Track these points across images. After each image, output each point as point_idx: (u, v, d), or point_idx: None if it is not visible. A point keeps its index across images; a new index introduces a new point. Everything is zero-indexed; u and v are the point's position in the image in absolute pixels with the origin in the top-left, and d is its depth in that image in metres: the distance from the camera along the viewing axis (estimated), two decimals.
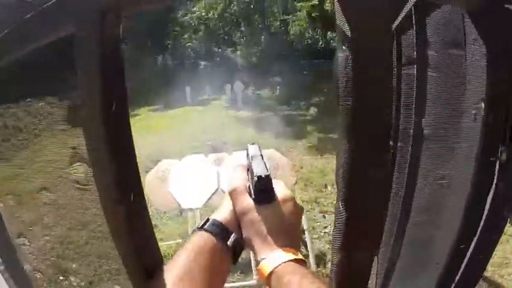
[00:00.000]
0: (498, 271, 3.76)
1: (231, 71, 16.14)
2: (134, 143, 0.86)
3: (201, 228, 0.85)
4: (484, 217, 1.01)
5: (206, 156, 4.96)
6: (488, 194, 0.99)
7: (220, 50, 18.74)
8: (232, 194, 0.89)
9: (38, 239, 1.57)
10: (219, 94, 15.49)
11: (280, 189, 0.89)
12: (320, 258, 4.19)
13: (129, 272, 0.92)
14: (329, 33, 13.11)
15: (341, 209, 0.95)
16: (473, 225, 1.04)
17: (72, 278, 1.76)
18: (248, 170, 0.97)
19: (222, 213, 0.89)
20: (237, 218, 0.87)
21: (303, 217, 4.17)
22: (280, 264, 0.76)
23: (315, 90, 12.78)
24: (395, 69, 1.26)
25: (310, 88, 13.03)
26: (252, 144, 1.07)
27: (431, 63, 1.14)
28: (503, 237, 4.23)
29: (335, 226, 0.99)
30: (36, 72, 1.04)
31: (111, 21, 0.76)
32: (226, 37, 18.86)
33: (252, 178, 0.88)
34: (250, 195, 0.87)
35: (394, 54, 1.25)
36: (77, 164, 1.00)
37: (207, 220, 0.87)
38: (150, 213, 0.89)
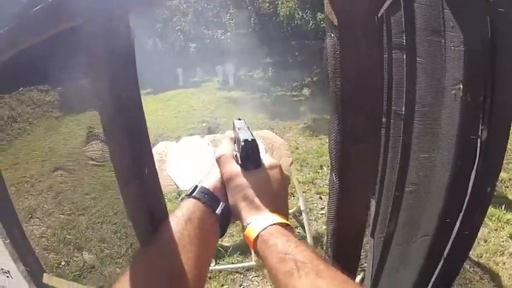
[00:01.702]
0: (493, 258, 3.81)
1: (222, 53, 16.03)
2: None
3: (190, 195, 0.84)
4: (468, 194, 1.04)
5: (202, 138, 4.95)
6: (471, 171, 1.02)
7: (210, 32, 18.55)
8: (219, 160, 0.90)
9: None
10: (211, 76, 15.43)
11: (266, 157, 0.90)
12: (317, 240, 4.21)
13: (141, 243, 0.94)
14: (319, 14, 12.97)
15: (334, 179, 1.00)
16: (458, 201, 1.08)
17: (85, 253, 1.77)
18: (235, 142, 0.98)
19: (210, 180, 0.88)
20: (224, 185, 0.87)
21: (300, 198, 4.22)
22: (266, 228, 0.76)
23: (307, 71, 12.73)
24: (386, 53, 1.30)
25: (302, 69, 12.98)
26: (238, 119, 1.07)
27: (417, 48, 1.17)
28: (498, 224, 4.33)
29: (329, 197, 1.03)
30: (50, 62, 1.05)
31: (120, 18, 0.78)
32: (215, 19, 18.67)
33: (239, 146, 0.89)
34: (238, 163, 0.88)
35: (384, 39, 1.29)
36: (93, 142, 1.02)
37: (196, 187, 0.86)
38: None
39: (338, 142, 0.95)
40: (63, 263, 2.01)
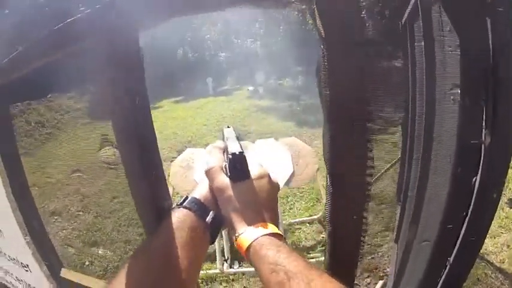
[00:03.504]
0: None
1: (252, 61, 16.10)
2: (156, 131, 0.92)
3: (180, 205, 0.88)
4: (472, 199, 1.03)
5: None
6: (472, 178, 1.01)
7: (239, 41, 18.67)
8: (209, 173, 0.92)
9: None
10: (241, 85, 15.49)
11: (255, 167, 0.92)
12: None
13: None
14: None
15: (328, 182, 1.02)
16: (460, 207, 1.06)
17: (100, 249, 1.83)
18: (224, 151, 1.01)
19: (200, 191, 0.92)
20: (214, 196, 0.90)
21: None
22: (257, 238, 0.79)
23: None
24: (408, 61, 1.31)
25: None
26: (227, 127, 1.13)
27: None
28: None
29: (326, 199, 1.05)
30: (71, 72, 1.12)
31: (130, 34, 0.84)
32: (244, 28, 18.77)
33: (228, 157, 0.91)
34: (227, 174, 0.90)
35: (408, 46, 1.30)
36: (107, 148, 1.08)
37: (186, 198, 0.90)
38: (175, 202, 0.94)
39: (330, 148, 0.98)
40: (87, 263, 2.09)
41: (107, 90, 0.90)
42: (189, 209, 0.86)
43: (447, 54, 0.99)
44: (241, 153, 0.89)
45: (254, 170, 0.91)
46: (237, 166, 0.88)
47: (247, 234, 0.81)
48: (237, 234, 0.83)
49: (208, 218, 0.86)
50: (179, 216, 0.85)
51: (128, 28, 0.84)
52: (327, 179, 1.05)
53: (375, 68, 1.05)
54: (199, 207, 0.87)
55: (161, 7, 0.90)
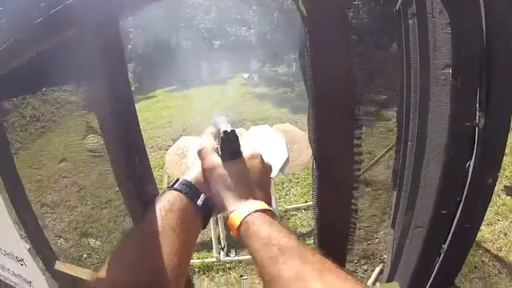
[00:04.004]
0: None
1: (246, 49, 16.03)
2: (150, 120, 0.91)
3: (171, 187, 0.86)
4: (466, 185, 1.02)
5: None
6: (467, 161, 1.00)
7: (233, 29, 18.55)
8: (201, 153, 0.91)
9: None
10: (235, 73, 15.43)
11: (248, 148, 0.91)
12: None
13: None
14: None
15: (314, 166, 1.01)
16: (453, 193, 1.05)
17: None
18: (216, 137, 0.98)
19: (192, 173, 0.90)
20: (206, 178, 0.88)
21: None
22: (248, 214, 0.78)
23: None
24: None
25: None
26: (218, 114, 1.10)
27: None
28: None
29: (312, 183, 1.04)
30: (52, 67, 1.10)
31: (112, 24, 0.82)
32: (238, 17, 18.66)
33: (219, 138, 0.91)
34: (219, 154, 0.89)
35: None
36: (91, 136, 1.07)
37: (177, 180, 0.88)
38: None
39: (315, 132, 0.96)
40: (84, 255, 2.08)
41: (89, 80, 0.88)
42: (180, 191, 0.84)
43: (439, 34, 0.97)
44: (233, 131, 0.88)
45: (246, 151, 0.90)
46: (229, 144, 0.88)
47: (239, 211, 0.80)
48: (228, 212, 0.82)
49: (199, 201, 0.85)
50: (169, 199, 0.83)
51: (107, 15, 0.82)
52: (312, 163, 1.04)
53: (362, 51, 1.03)
54: (190, 190, 0.85)
55: None
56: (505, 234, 3.89)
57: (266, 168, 0.92)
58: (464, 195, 1.05)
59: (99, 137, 0.93)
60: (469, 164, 1.01)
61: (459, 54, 0.92)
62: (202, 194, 0.86)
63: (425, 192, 1.22)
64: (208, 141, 0.94)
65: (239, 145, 0.89)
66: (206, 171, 0.88)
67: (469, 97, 0.94)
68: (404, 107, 1.37)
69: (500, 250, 3.67)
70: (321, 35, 0.85)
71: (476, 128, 0.97)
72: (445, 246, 1.13)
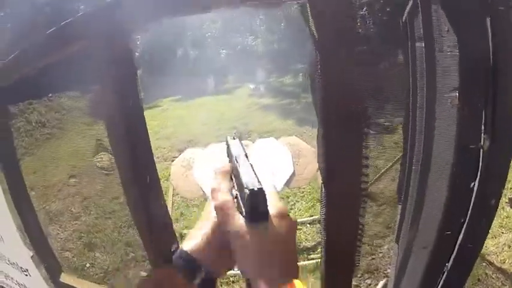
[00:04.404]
0: None
1: (253, 58, 16.07)
2: (156, 130, 0.91)
3: (168, 261, 0.77)
4: (471, 205, 1.02)
5: None
6: (472, 182, 1.00)
7: (240, 38, 18.62)
8: (220, 210, 0.78)
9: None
10: (242, 82, 15.45)
11: (273, 202, 0.78)
12: None
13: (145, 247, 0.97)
14: None
15: (322, 189, 1.01)
16: (459, 212, 1.05)
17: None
18: (233, 174, 0.86)
19: (197, 238, 0.79)
20: (212, 242, 0.78)
21: None
22: None
23: None
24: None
25: None
26: (233, 138, 0.96)
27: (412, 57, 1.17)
28: None
29: (321, 204, 1.04)
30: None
31: (123, 37, 0.83)
32: (245, 26, 18.74)
33: (241, 189, 0.76)
34: (239, 208, 0.77)
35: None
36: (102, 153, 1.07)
37: (176, 250, 0.79)
38: (176, 202, 0.90)
39: (323, 153, 0.97)
40: (87, 265, 2.09)
41: (100, 93, 0.89)
42: (174, 267, 0.75)
43: (446, 55, 0.97)
44: (261, 189, 0.72)
45: (273, 206, 0.76)
46: (256, 206, 0.73)
47: None
48: None
49: (197, 279, 0.75)
50: (158, 279, 0.76)
51: (121, 30, 0.83)
52: (321, 184, 1.04)
53: (370, 69, 1.04)
54: (187, 263, 0.75)
55: (157, 7, 0.89)
56: (509, 247, 3.86)
57: (294, 227, 0.81)
58: (468, 216, 1.05)
59: (110, 155, 0.93)
60: (473, 185, 1.01)
61: (466, 76, 0.92)
62: (203, 268, 0.76)
63: (430, 210, 1.22)
64: (225, 189, 0.82)
65: (267, 206, 0.75)
66: (229, 236, 0.76)
67: (475, 119, 0.94)
68: (410, 126, 1.37)
69: (504, 262, 3.65)
70: (332, 58, 0.87)
71: (481, 150, 0.98)
72: (448, 265, 1.13)
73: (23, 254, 1.56)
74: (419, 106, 1.28)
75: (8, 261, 1.60)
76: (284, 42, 15.61)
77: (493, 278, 3.42)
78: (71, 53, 0.93)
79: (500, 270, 3.54)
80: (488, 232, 1.09)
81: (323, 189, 1.04)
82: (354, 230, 1.08)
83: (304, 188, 5.35)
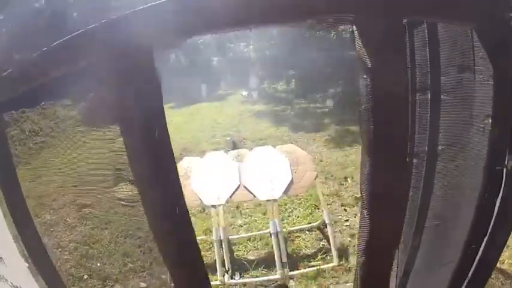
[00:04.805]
0: None
1: (245, 65, 16.07)
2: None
3: None
4: (493, 220, 1.03)
5: (226, 153, 4.98)
6: (495, 200, 1.01)
7: (232, 45, 18.63)
8: None
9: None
10: (235, 89, 15.44)
11: None
12: (342, 251, 4.17)
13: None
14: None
15: (365, 216, 0.99)
16: (483, 227, 1.06)
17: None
18: None
19: None
20: None
21: (325, 211, 4.20)
22: None
23: (331, 82, 12.62)
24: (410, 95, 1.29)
25: (326, 80, 12.87)
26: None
27: (443, 87, 1.16)
28: None
29: (360, 229, 1.02)
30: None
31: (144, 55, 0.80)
32: (237, 32, 18.78)
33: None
34: None
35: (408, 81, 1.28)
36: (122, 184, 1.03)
37: None
38: None
39: (369, 181, 0.94)
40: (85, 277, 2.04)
41: (123, 115, 0.86)
42: None
43: (480, 83, 0.97)
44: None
45: None
46: None
47: None
48: None
49: None
50: None
51: (142, 48, 0.80)
52: (362, 209, 1.02)
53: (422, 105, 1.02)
54: None
55: (180, 26, 0.86)
56: (508, 247, 3.87)
57: None
58: (490, 230, 1.06)
59: (132, 186, 0.89)
60: (496, 201, 1.02)
61: (500, 103, 0.92)
62: None
63: (453, 228, 1.22)
64: None
65: None
66: None
67: (504, 143, 0.95)
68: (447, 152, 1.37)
69: (503, 263, 3.66)
70: (385, 86, 0.84)
71: (505, 169, 0.98)
72: (469, 276, 1.14)
73: (26, 277, 1.53)
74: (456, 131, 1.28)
75: (11, 284, 1.56)
76: (277, 49, 15.61)
77: (492, 278, 3.42)
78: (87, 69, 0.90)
79: (499, 270, 3.55)
80: (506, 242, 1.10)
81: (365, 215, 1.01)
82: (391, 258, 1.06)
83: (301, 195, 5.35)
